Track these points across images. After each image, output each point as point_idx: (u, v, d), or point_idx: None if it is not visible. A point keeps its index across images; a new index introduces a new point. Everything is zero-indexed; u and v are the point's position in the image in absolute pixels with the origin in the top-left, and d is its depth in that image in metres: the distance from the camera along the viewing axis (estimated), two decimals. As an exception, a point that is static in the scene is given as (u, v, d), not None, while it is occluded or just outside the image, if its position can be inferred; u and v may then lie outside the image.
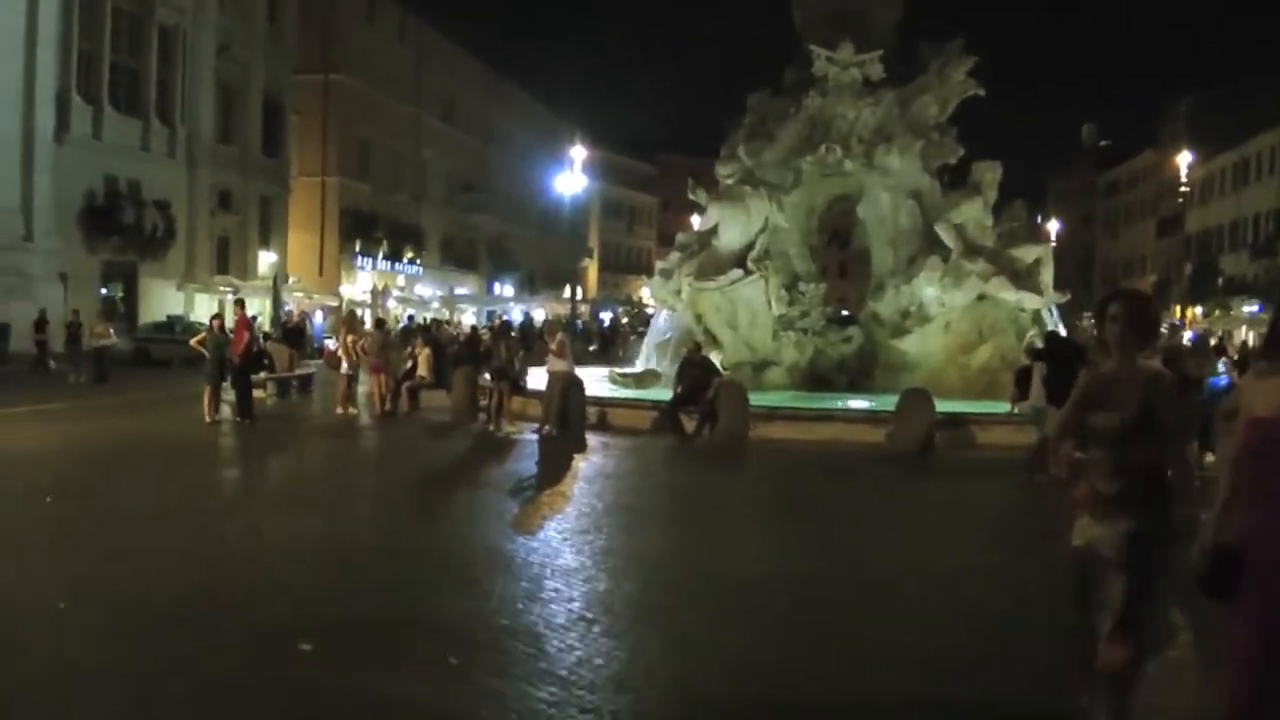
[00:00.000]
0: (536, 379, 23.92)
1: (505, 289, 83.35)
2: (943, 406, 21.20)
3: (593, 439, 20.66)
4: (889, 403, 21.92)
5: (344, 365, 25.57)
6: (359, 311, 50.86)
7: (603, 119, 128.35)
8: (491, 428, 22.26)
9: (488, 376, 23.73)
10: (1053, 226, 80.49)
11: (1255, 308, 68.55)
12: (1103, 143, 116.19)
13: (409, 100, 73.10)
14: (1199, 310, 75.07)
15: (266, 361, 28.21)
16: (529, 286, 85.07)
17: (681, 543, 11.90)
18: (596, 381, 27.29)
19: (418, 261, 73.45)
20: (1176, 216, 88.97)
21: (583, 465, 17.63)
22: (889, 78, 29.32)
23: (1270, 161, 76.18)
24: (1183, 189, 61.07)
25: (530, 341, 32.72)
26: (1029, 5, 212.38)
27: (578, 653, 7.58)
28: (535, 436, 21.02)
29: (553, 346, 22.17)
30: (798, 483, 16.76)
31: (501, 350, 23.42)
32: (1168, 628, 5.96)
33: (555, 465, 17.50)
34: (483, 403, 23.73)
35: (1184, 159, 57.37)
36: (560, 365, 21.72)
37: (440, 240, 78.24)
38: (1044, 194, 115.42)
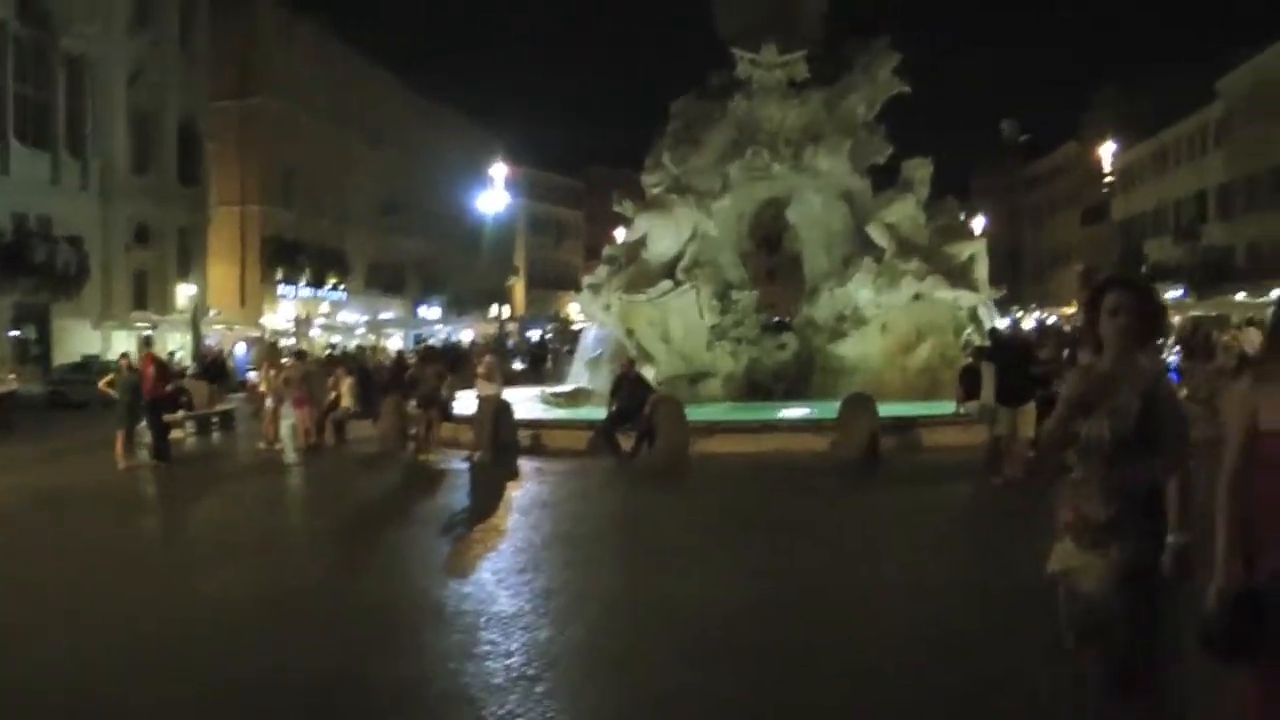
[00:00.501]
0: (468, 404, 23.10)
1: (432, 311, 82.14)
2: (886, 410, 20.57)
3: (527, 464, 19.85)
4: (830, 409, 21.37)
5: (267, 399, 24.64)
6: (280, 342, 49.90)
7: (528, 135, 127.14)
8: (421, 457, 21.34)
9: (415, 404, 22.81)
10: (979, 222, 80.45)
11: (1179, 292, 68.92)
12: (1022, 138, 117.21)
13: (331, 122, 71.63)
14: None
15: (184, 399, 27.25)
16: (456, 308, 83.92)
17: (627, 575, 11.13)
18: (528, 402, 26.59)
19: (342, 287, 72.08)
20: (1101, 206, 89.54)
21: (517, 494, 16.80)
22: (815, 78, 28.81)
23: (1189, 147, 77.19)
24: (1107, 179, 61.30)
25: (458, 365, 31.68)
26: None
27: (519, 719, 6.79)
28: (466, 465, 20.19)
29: (480, 370, 21.37)
30: (743, 500, 16.02)
31: (428, 376, 22.57)
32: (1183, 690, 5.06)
33: (488, 495, 16.61)
34: (411, 431, 22.83)
35: (1108, 149, 57.49)
36: (489, 389, 20.92)
37: (366, 264, 76.85)
38: (968, 190, 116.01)
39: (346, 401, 25.35)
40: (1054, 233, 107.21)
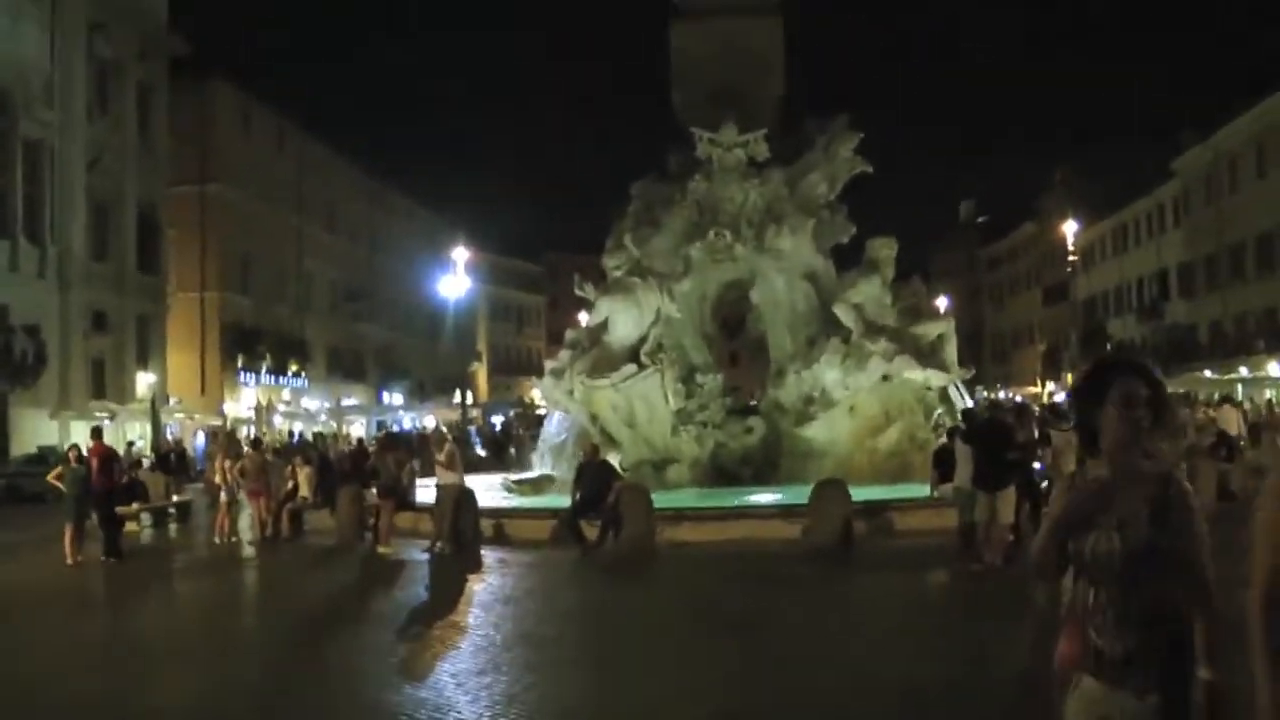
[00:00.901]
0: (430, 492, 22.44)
1: (395, 398, 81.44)
2: (856, 494, 20.00)
3: (489, 555, 19.23)
4: (798, 494, 20.97)
5: (222, 492, 23.97)
6: (241, 430, 49.14)
7: (488, 221, 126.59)
8: (380, 550, 20.54)
9: (375, 493, 22.09)
10: (941, 302, 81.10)
11: None
12: (980, 219, 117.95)
13: (290, 210, 71.43)
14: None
15: (139, 491, 26.60)
16: (419, 394, 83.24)
17: (594, 680, 10.49)
18: (490, 491, 26.06)
19: (303, 374, 71.47)
20: (1062, 285, 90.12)
21: (478, 588, 16.16)
22: (775, 157, 28.61)
23: (1149, 225, 78.00)
24: (1071, 257, 61.76)
25: (421, 452, 30.83)
26: (888, 85, 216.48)
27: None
28: (427, 556, 19.54)
29: (440, 458, 20.78)
30: (716, 592, 15.36)
31: (389, 464, 21.93)
32: None
33: (447, 590, 16.04)
34: (371, 522, 22.10)
35: (1070, 227, 57.96)
36: (450, 477, 20.32)
37: (326, 351, 76.42)
38: (927, 271, 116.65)
39: (304, 491, 24.74)
40: (1015, 312, 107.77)
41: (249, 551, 21.61)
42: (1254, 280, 61.47)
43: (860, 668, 10.60)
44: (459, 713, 9.06)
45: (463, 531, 20.00)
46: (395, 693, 9.90)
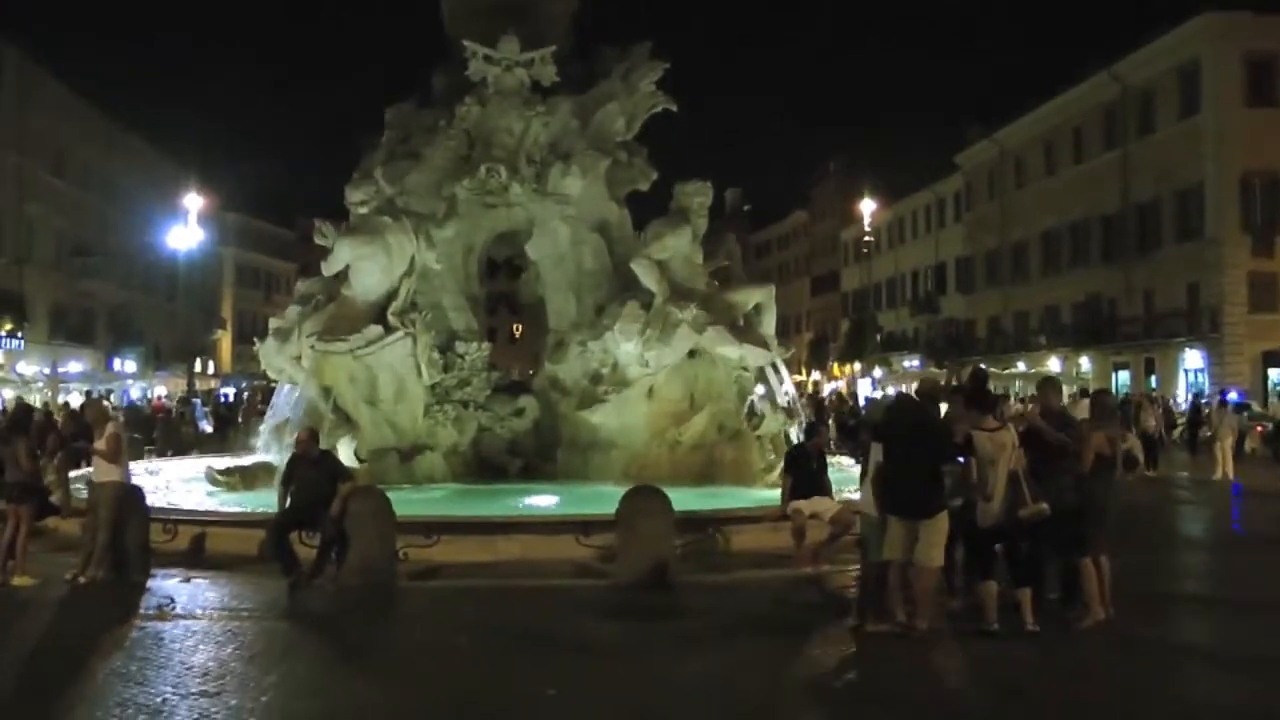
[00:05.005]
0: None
1: (127, 365, 73.68)
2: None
3: (157, 588, 13.29)
4: (580, 496, 17.36)
5: None
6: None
7: (238, 180, 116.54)
8: (14, 580, 13.87)
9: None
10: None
11: (915, 362, 69.26)
12: (746, 206, 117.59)
13: (10, 147, 63.10)
14: (858, 366, 74.77)
15: None
16: (154, 361, 75.78)
17: None
18: (196, 482, 20.73)
19: (20, 335, 63.43)
20: (831, 274, 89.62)
21: (101, 669, 9.80)
22: (564, 83, 23.36)
23: (926, 220, 78.38)
24: (866, 238, 59.79)
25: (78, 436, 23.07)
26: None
27: None
28: (69, 589, 13.46)
29: (99, 445, 14.64)
30: (479, 681, 9.63)
31: (19, 456, 15.28)
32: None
33: (69, 662, 9.99)
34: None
35: (867, 206, 55.67)
36: (110, 473, 14.26)
37: (49, 310, 68.34)
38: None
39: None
40: (782, 301, 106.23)
41: None
42: (1037, 278, 61.06)
43: None
44: None
45: (124, 550, 14.08)
46: None
